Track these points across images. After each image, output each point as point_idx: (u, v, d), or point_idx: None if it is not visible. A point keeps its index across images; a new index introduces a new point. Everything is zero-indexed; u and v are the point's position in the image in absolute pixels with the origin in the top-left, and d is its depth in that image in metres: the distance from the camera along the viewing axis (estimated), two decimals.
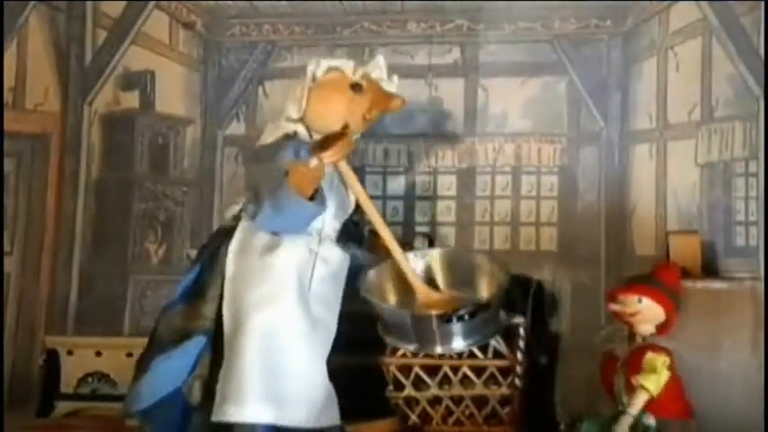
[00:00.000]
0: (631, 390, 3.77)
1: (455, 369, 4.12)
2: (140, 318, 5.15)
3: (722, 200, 4.74)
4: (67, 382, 5.01)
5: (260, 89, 5.23)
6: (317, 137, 3.90)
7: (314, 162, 3.61)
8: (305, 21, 5.20)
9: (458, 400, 4.15)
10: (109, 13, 5.32)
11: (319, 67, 4.00)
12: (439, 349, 3.96)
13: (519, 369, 4.12)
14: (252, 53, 5.24)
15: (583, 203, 4.96)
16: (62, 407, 5.00)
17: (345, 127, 3.85)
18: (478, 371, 4.12)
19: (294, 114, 3.96)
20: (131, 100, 5.31)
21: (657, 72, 4.91)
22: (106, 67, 5.30)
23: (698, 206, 4.78)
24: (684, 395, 3.85)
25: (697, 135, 4.83)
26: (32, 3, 5.27)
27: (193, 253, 5.09)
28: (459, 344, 3.94)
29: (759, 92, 4.68)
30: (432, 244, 4.38)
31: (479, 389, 4.13)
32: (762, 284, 4.29)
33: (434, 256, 4.20)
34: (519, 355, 4.12)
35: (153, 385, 3.74)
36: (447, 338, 3.91)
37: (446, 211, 5.06)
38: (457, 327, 3.86)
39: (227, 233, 3.92)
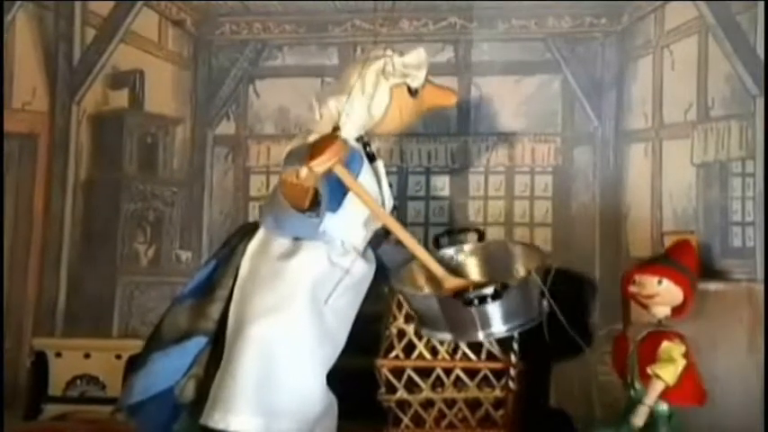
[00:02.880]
0: (645, 377, 3.71)
1: (448, 371, 4.09)
2: (129, 319, 5.12)
3: (718, 200, 4.71)
4: (56, 385, 4.98)
5: (250, 88, 5.18)
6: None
7: (304, 172, 3.49)
8: (296, 19, 5.16)
9: (451, 403, 4.12)
10: (97, 11, 5.27)
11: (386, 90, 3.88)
12: (480, 335, 3.80)
13: (513, 371, 4.08)
14: (242, 52, 5.20)
15: (577, 204, 4.93)
16: (50, 410, 4.97)
17: (336, 129, 3.79)
18: (472, 373, 4.09)
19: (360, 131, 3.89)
20: (120, 99, 5.26)
21: (653, 71, 4.88)
22: (95, 65, 5.26)
23: (694, 207, 4.74)
24: (698, 380, 3.79)
25: (693, 135, 4.79)
26: (20, 2, 5.24)
27: (183, 254, 5.13)
28: (499, 328, 3.76)
29: (756, 91, 4.66)
30: (482, 239, 4.27)
31: (473, 391, 4.10)
32: (759, 286, 4.27)
33: (467, 252, 4.13)
34: (512, 357, 4.08)
35: (146, 381, 3.70)
36: (486, 322, 3.74)
37: (439, 211, 5.02)
38: (495, 309, 3.69)
39: (249, 231, 3.88)
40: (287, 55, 5.17)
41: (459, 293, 3.69)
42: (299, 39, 5.16)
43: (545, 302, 3.82)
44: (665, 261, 3.88)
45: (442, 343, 4.08)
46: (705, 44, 4.79)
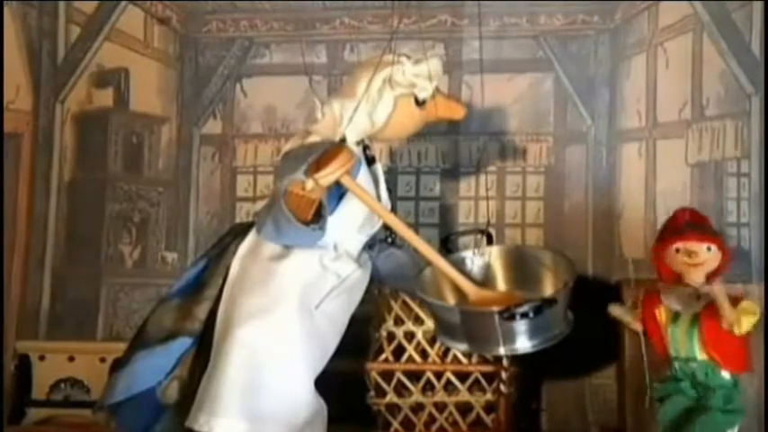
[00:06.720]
0: (712, 345, 3.63)
1: (438, 375, 4.05)
2: (114, 322, 5.08)
3: (713, 201, 4.69)
4: (39, 389, 4.96)
5: (237, 86, 5.15)
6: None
7: (310, 184, 3.46)
8: (283, 16, 5.13)
9: (441, 407, 4.08)
10: (82, 8, 5.23)
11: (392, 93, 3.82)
12: (502, 350, 3.66)
13: (504, 375, 4.04)
14: (229, 49, 5.17)
15: (570, 204, 4.89)
16: (34, 414, 4.94)
17: (343, 141, 3.73)
18: (462, 376, 4.05)
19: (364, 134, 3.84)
20: (105, 98, 5.21)
21: (647, 69, 4.86)
22: (79, 64, 5.22)
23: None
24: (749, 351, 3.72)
25: (687, 134, 4.78)
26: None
27: (169, 255, 5.08)
28: (524, 344, 3.62)
29: (751, 89, 4.65)
30: (490, 241, 4.19)
31: (463, 395, 4.05)
32: (754, 288, 4.22)
33: (494, 255, 4.00)
34: (504, 361, 4.03)
35: (128, 380, 3.67)
36: (510, 338, 3.61)
37: (429, 212, 4.98)
38: (521, 325, 3.56)
39: (241, 232, 3.84)
40: (274, 53, 5.14)
41: (505, 309, 3.53)
42: (287, 36, 5.12)
43: (570, 315, 3.75)
44: (704, 228, 3.82)
45: (432, 345, 4.03)
46: (699, 42, 4.77)
